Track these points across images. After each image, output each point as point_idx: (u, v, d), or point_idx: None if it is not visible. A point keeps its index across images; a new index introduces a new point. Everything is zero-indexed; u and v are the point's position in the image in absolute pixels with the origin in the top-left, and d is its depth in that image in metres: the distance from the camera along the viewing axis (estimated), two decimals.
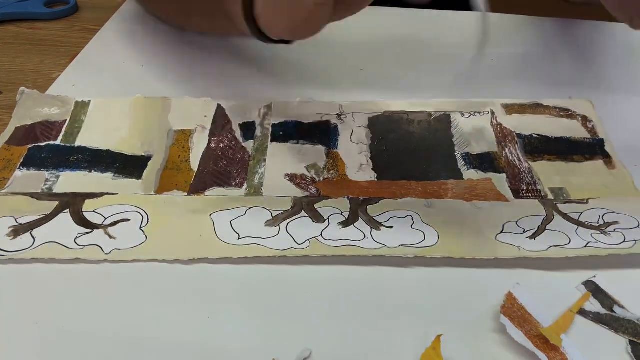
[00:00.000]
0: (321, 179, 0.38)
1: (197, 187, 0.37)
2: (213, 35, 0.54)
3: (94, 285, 0.31)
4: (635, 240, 0.34)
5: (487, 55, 0.53)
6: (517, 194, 0.38)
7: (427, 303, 0.31)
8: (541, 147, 0.42)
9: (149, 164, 0.39)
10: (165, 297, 0.31)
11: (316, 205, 0.36)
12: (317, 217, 0.35)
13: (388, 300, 0.31)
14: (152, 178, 0.38)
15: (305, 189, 0.37)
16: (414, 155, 0.41)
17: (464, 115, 0.44)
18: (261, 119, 0.43)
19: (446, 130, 0.43)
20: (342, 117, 0.44)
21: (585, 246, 0.33)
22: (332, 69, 0.48)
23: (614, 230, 0.35)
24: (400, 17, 0.60)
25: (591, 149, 0.42)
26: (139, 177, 0.38)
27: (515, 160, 0.41)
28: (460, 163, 0.40)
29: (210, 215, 0.35)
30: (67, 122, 0.42)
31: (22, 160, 0.39)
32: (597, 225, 0.35)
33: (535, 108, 0.45)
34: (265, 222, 0.34)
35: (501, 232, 0.34)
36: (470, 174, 0.39)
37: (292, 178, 0.38)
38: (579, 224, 0.35)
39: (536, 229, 0.35)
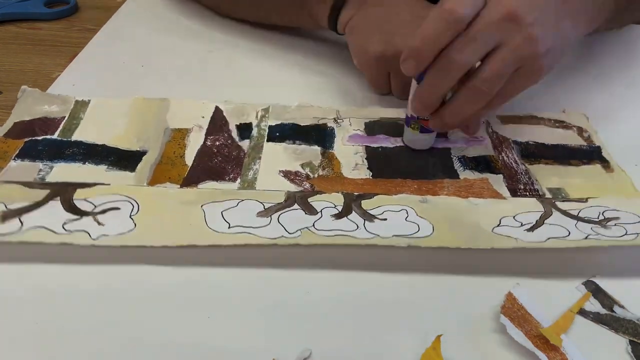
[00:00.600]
0: (316, 175, 0.39)
1: (190, 180, 0.38)
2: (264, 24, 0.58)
3: (94, 285, 0.32)
4: (638, 233, 0.33)
5: None
6: (514, 193, 0.38)
7: (427, 303, 0.31)
8: (538, 153, 0.43)
9: (143, 158, 0.40)
10: (166, 297, 0.31)
11: (310, 199, 0.36)
12: (310, 210, 0.35)
13: (388, 300, 0.32)
14: (145, 171, 0.39)
15: (299, 185, 0.38)
16: (409, 157, 0.42)
17: None
18: (258, 121, 0.45)
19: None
20: (339, 121, 0.45)
21: (585, 238, 0.33)
22: (331, 74, 0.48)
23: (615, 225, 0.34)
24: None
25: (588, 154, 0.43)
26: (132, 170, 0.39)
27: (512, 163, 0.41)
28: (457, 164, 0.41)
29: (201, 206, 0.35)
30: (66, 118, 0.43)
31: (17, 152, 0.40)
32: (597, 220, 0.35)
33: (530, 119, 0.46)
34: (257, 213, 0.35)
35: (498, 226, 0.35)
36: (467, 175, 0.40)
37: (287, 174, 0.39)
38: (578, 218, 0.35)
39: (534, 222, 0.35)
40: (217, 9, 0.60)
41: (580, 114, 0.47)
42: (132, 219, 0.34)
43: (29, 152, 0.39)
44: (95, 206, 0.35)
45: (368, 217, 0.35)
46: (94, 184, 0.37)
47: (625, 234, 0.33)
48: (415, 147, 0.42)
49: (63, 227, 0.33)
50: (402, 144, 0.43)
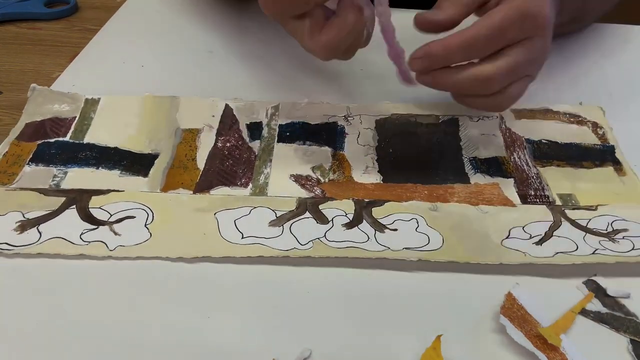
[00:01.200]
0: (326, 180, 0.40)
1: (203, 185, 0.39)
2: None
3: (95, 285, 0.33)
4: None
5: None
6: (524, 199, 0.40)
7: (427, 303, 0.32)
8: (550, 153, 0.44)
9: (155, 162, 0.41)
10: (166, 297, 0.32)
11: (321, 207, 0.38)
12: (321, 218, 0.37)
13: (388, 300, 0.33)
14: (158, 176, 0.40)
15: (310, 190, 0.39)
16: (420, 159, 0.43)
17: (472, 119, 0.46)
18: (268, 119, 0.46)
19: (454, 134, 0.45)
20: (349, 118, 0.46)
21: (593, 253, 0.34)
22: (340, 70, 0.49)
23: (623, 238, 0.36)
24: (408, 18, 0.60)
25: (601, 155, 0.43)
26: (145, 174, 0.40)
27: (523, 165, 0.42)
28: (468, 167, 0.42)
29: (214, 214, 0.37)
30: (77, 119, 0.45)
31: (31, 156, 0.41)
32: (605, 232, 0.36)
33: (545, 113, 0.47)
34: (269, 222, 0.36)
35: (507, 238, 0.36)
36: (477, 178, 0.41)
37: (298, 179, 0.40)
38: (587, 230, 0.36)
39: (543, 234, 0.36)
40: None
41: (597, 107, 0.47)
42: (147, 228, 0.35)
43: (43, 156, 0.41)
44: (110, 215, 0.36)
45: (378, 227, 0.36)
46: (108, 191, 0.38)
47: (632, 248, 0.35)
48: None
49: (81, 238, 0.34)
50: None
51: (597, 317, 0.31)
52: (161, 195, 0.38)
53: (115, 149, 0.42)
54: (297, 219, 0.36)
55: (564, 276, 0.34)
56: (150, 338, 0.30)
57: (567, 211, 0.38)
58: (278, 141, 0.43)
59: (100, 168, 0.40)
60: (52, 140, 0.42)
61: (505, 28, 0.36)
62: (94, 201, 0.37)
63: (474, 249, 0.34)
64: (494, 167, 0.42)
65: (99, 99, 0.46)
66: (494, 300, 0.32)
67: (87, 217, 0.36)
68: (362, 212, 0.37)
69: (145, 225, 0.35)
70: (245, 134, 0.44)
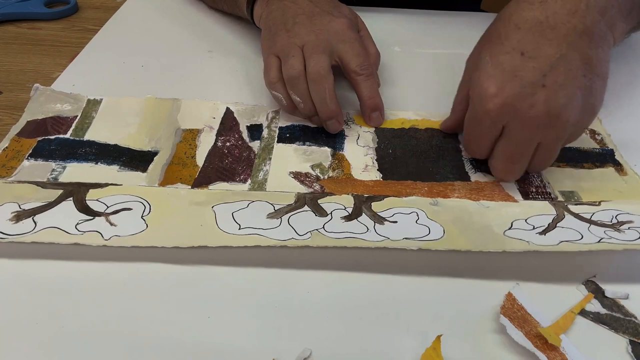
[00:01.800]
0: (326, 177, 0.41)
1: (201, 181, 0.40)
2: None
3: (95, 285, 0.33)
4: None
5: None
6: (526, 195, 0.40)
7: (427, 303, 0.33)
8: None
9: (155, 158, 0.42)
10: (166, 297, 0.33)
11: (320, 201, 0.38)
12: (320, 211, 0.37)
13: (388, 300, 0.33)
14: (157, 171, 0.41)
15: (309, 186, 0.40)
16: (420, 158, 0.43)
17: None
18: (269, 122, 0.46)
19: (453, 138, 0.46)
20: (349, 122, 0.47)
21: (598, 242, 0.34)
22: (342, 78, 0.48)
23: (628, 228, 0.35)
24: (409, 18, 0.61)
25: (601, 157, 0.44)
26: (144, 170, 0.41)
27: None
28: (468, 166, 0.43)
29: (212, 207, 0.37)
30: (78, 117, 0.46)
31: (30, 151, 0.41)
32: (610, 223, 0.36)
33: None
34: (267, 215, 0.36)
35: (510, 229, 0.36)
36: (478, 177, 0.42)
37: (297, 175, 0.41)
38: (591, 222, 0.36)
39: (546, 226, 0.36)
40: None
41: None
42: (143, 219, 0.35)
43: (42, 152, 0.41)
44: (107, 207, 0.36)
45: (378, 219, 0.36)
46: (106, 185, 0.38)
47: (639, 237, 0.34)
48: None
49: (76, 228, 0.34)
50: None
51: (597, 318, 0.32)
52: (159, 189, 0.39)
53: (115, 145, 0.42)
54: (295, 212, 0.36)
55: (564, 277, 0.34)
56: (150, 338, 0.30)
57: (570, 206, 0.38)
58: (278, 142, 0.44)
59: (99, 163, 0.41)
60: (53, 137, 0.43)
61: (473, 133, 0.39)
62: (91, 194, 0.37)
63: (476, 239, 0.34)
64: None
65: (101, 99, 0.47)
66: (493, 300, 0.32)
67: (84, 209, 0.36)
68: (362, 206, 0.37)
69: (142, 216, 0.36)
70: (245, 134, 0.45)
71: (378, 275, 0.34)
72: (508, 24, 0.38)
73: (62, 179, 0.39)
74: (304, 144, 0.44)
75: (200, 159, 0.42)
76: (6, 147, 0.41)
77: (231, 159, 0.42)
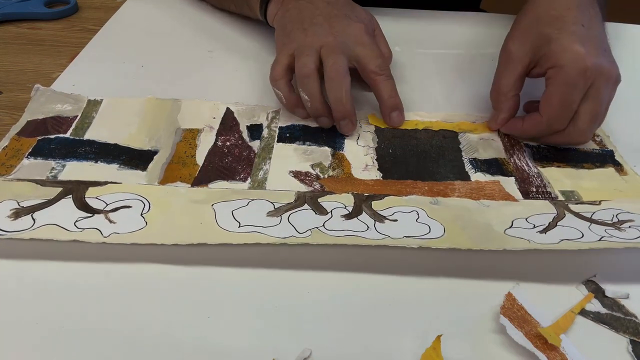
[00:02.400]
0: (326, 176, 0.41)
1: (201, 180, 0.40)
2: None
3: (95, 285, 0.33)
4: None
5: (488, 55, 0.53)
6: (526, 195, 0.40)
7: (427, 303, 0.33)
8: (550, 156, 0.44)
9: (154, 157, 0.42)
10: (166, 297, 0.33)
11: (320, 199, 0.38)
12: (320, 210, 0.37)
13: (388, 300, 0.33)
14: (156, 170, 0.41)
15: (309, 185, 0.40)
16: (420, 158, 0.43)
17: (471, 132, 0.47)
18: (269, 122, 0.46)
19: (453, 138, 0.46)
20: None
21: (599, 240, 0.34)
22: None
23: (629, 227, 0.35)
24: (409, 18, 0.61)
25: (601, 157, 0.44)
26: (144, 169, 0.41)
27: (523, 166, 0.43)
28: (468, 167, 0.43)
29: (212, 205, 0.37)
30: (78, 117, 0.46)
31: (30, 150, 0.42)
32: (611, 222, 0.36)
33: None
34: (267, 213, 0.36)
35: (510, 227, 0.36)
36: (478, 177, 0.42)
37: (297, 174, 0.41)
38: (592, 221, 0.36)
39: (547, 224, 0.36)
40: None
41: None
42: (143, 217, 0.35)
43: (42, 151, 0.42)
44: (106, 204, 0.36)
45: (378, 217, 0.36)
46: (106, 183, 0.38)
47: None
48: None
49: (75, 225, 0.34)
50: None
51: (597, 318, 0.32)
52: (158, 187, 0.39)
53: (115, 145, 0.43)
54: (295, 210, 0.36)
55: (564, 277, 0.34)
56: (150, 338, 0.30)
57: (570, 205, 0.38)
58: (278, 141, 0.44)
59: (99, 162, 0.41)
60: (53, 136, 0.43)
61: (568, 99, 0.41)
62: (91, 192, 0.37)
63: (476, 237, 0.34)
64: (494, 167, 0.42)
65: (102, 100, 0.47)
66: (493, 300, 0.32)
67: (83, 206, 0.36)
68: (362, 205, 0.37)
69: (142, 214, 0.36)
70: (245, 134, 0.45)
71: (378, 276, 0.34)
72: (555, 6, 0.44)
73: (62, 177, 0.39)
74: (304, 144, 0.44)
75: (200, 158, 0.42)
76: (6, 146, 0.41)
77: (231, 158, 0.42)
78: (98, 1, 0.66)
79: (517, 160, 0.43)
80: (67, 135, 0.43)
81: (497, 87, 0.45)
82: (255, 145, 0.43)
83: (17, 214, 0.35)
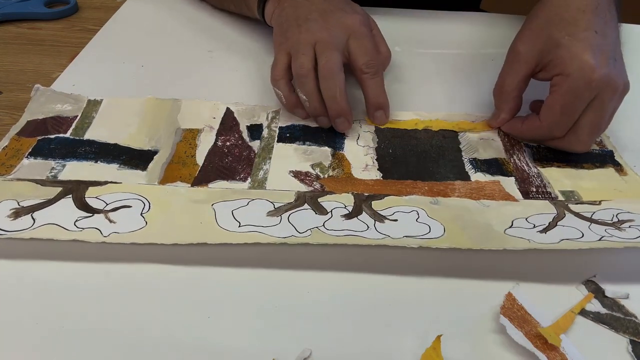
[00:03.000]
0: (326, 176, 0.41)
1: (201, 179, 0.40)
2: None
3: (95, 285, 0.33)
4: None
5: (488, 55, 0.53)
6: (526, 195, 0.40)
7: (427, 303, 0.33)
8: (550, 156, 0.44)
9: (154, 157, 0.42)
10: (166, 297, 0.33)
11: (320, 199, 0.38)
12: (320, 210, 0.37)
13: (388, 300, 0.33)
14: (156, 170, 0.41)
15: (309, 185, 0.40)
16: (420, 158, 0.43)
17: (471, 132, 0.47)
18: (269, 122, 0.46)
19: (453, 138, 0.46)
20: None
21: (599, 240, 0.34)
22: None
23: (629, 227, 0.35)
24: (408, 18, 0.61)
25: (601, 158, 0.44)
26: (144, 168, 0.41)
27: (523, 166, 0.43)
28: (468, 167, 0.43)
29: (212, 205, 0.37)
30: (78, 117, 0.46)
31: (30, 150, 0.42)
32: (611, 222, 0.36)
33: None
34: (267, 213, 0.36)
35: (510, 227, 0.36)
36: (478, 177, 0.42)
37: (297, 174, 0.41)
38: (592, 221, 0.36)
39: (547, 224, 0.36)
40: None
41: None
42: (143, 216, 0.35)
43: (42, 150, 0.42)
44: (106, 204, 0.36)
45: (378, 217, 0.36)
46: (106, 182, 0.38)
47: None
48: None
49: (75, 225, 0.34)
50: None
51: (597, 318, 0.32)
52: (158, 187, 0.39)
53: (115, 145, 0.43)
54: (295, 210, 0.37)
55: (564, 277, 0.34)
56: (150, 338, 0.30)
57: (570, 205, 0.38)
58: (278, 141, 0.44)
59: (99, 162, 0.41)
60: (53, 136, 0.43)
61: (571, 107, 0.40)
62: (91, 191, 0.37)
63: (476, 237, 0.34)
64: (494, 167, 0.42)
65: (102, 100, 0.47)
66: (494, 300, 0.32)
67: (83, 206, 0.36)
68: (362, 205, 0.37)
69: (141, 214, 0.36)
70: (245, 134, 0.45)
71: (378, 276, 0.34)
72: (569, 8, 0.42)
73: (62, 177, 0.39)
74: (304, 144, 0.44)
75: (200, 158, 0.42)
76: (6, 146, 0.42)
77: (231, 158, 0.42)
78: (98, 1, 0.66)
79: (517, 161, 0.43)
80: (67, 135, 0.43)
81: (501, 85, 0.44)
82: (255, 145, 0.43)
83: (17, 213, 0.35)
